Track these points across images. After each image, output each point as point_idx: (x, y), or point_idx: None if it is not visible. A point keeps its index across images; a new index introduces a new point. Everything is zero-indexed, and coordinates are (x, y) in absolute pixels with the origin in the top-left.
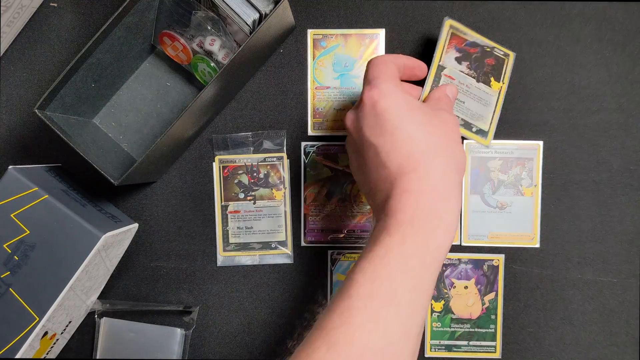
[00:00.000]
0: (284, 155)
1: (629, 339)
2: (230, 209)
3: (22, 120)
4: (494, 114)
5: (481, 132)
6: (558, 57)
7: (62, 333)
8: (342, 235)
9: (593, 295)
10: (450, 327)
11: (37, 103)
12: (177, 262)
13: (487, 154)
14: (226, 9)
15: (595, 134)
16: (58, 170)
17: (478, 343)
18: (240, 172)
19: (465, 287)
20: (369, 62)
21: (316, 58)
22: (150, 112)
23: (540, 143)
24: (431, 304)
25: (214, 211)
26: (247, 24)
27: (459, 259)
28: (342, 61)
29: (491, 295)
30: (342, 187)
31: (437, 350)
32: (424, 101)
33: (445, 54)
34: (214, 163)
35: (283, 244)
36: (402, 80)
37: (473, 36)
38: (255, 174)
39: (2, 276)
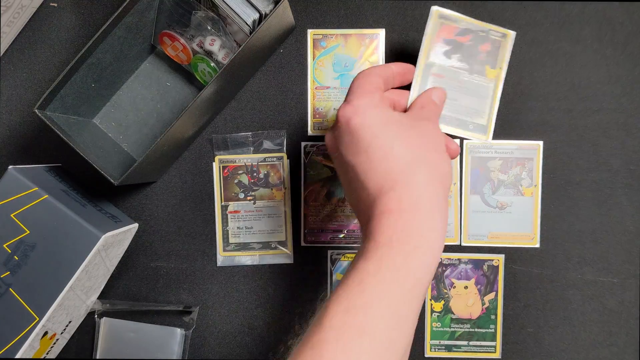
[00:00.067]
0: (284, 155)
1: (628, 339)
2: (230, 209)
3: (22, 120)
4: (492, 105)
5: (479, 128)
6: (558, 57)
7: (62, 333)
8: (342, 235)
9: (593, 295)
10: (450, 327)
11: (37, 103)
12: (177, 262)
13: (487, 154)
14: (226, 9)
15: (595, 134)
16: (58, 170)
17: (478, 343)
18: (240, 172)
19: (465, 287)
20: (355, 77)
21: (316, 58)
22: (150, 112)
23: (540, 143)
24: (431, 304)
25: (214, 211)
26: (247, 24)
27: (459, 259)
28: (342, 61)
29: (491, 295)
30: (342, 187)
31: (437, 350)
32: (408, 108)
33: (432, 50)
34: (214, 163)
35: (283, 244)
36: (396, 87)
37: (465, 22)
38: (255, 174)
39: (2, 276)
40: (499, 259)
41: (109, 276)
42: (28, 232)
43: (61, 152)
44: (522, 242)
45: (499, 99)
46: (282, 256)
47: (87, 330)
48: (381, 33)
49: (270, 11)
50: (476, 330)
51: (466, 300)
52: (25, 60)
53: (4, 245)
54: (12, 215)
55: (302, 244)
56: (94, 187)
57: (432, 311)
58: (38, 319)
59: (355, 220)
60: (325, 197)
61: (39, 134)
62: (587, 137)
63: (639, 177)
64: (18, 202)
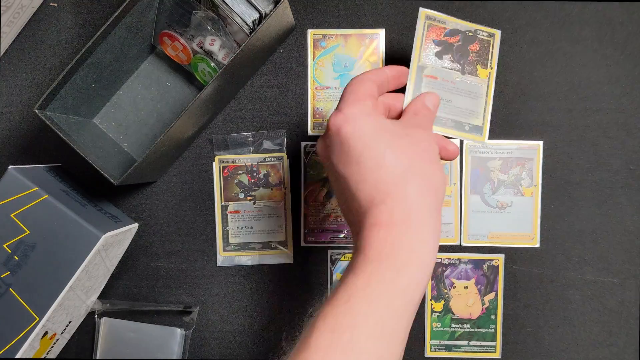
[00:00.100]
0: (284, 155)
1: (628, 339)
2: (230, 209)
3: (22, 120)
4: (486, 105)
5: (475, 129)
6: (558, 58)
7: (62, 333)
8: (342, 235)
9: (593, 295)
10: (450, 327)
11: (37, 103)
12: (177, 262)
13: (487, 154)
14: (226, 9)
15: (596, 134)
16: (58, 170)
17: (478, 343)
18: (240, 172)
19: (465, 287)
20: (348, 83)
21: (316, 58)
22: (150, 112)
23: (540, 143)
24: (431, 304)
25: (214, 211)
26: (247, 24)
27: (459, 259)
28: (342, 61)
29: (491, 295)
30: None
31: (437, 350)
32: (401, 114)
33: (423, 52)
34: (214, 163)
35: (283, 244)
36: (391, 91)
37: (452, 22)
38: (255, 174)
39: (2, 276)
40: (499, 259)
41: (109, 276)
42: (28, 232)
43: (61, 152)
44: (522, 242)
45: (492, 99)
46: (282, 256)
47: (87, 330)
48: (381, 33)
49: (270, 11)
50: (476, 330)
51: (466, 300)
52: (25, 60)
53: (4, 245)
54: (12, 215)
55: (302, 244)
56: (94, 187)
57: (432, 311)
58: (38, 319)
59: None
60: (325, 197)
61: (39, 134)
62: (587, 137)
63: (639, 177)
64: (18, 202)
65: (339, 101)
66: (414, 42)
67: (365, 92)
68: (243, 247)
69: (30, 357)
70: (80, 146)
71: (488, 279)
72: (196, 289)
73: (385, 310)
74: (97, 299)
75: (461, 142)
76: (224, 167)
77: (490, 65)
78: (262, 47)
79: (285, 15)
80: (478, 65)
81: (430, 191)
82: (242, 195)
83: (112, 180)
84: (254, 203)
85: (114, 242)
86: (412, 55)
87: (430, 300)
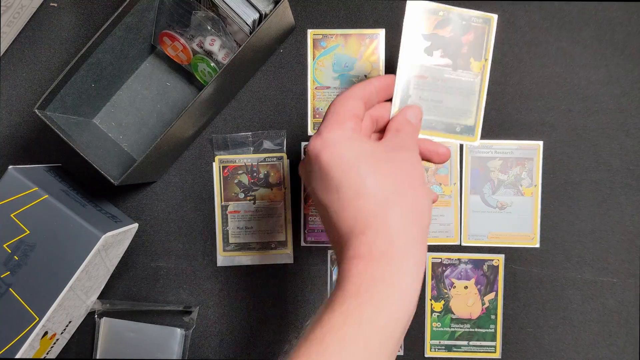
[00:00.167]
0: (284, 155)
1: (628, 338)
2: (230, 209)
3: (22, 120)
4: (479, 103)
5: (467, 130)
6: (558, 58)
7: (62, 333)
8: None
9: (593, 295)
10: (450, 327)
11: (37, 103)
12: (177, 262)
13: (487, 154)
14: (226, 9)
15: (595, 134)
16: (58, 170)
17: (478, 343)
18: (240, 172)
19: (465, 287)
20: (332, 101)
21: (316, 58)
22: (150, 112)
23: (540, 143)
24: (431, 304)
25: (214, 211)
26: (247, 24)
27: (459, 259)
28: (342, 61)
29: (491, 295)
30: None
31: (437, 350)
32: (385, 132)
33: (411, 50)
34: (214, 163)
35: (283, 244)
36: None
37: (444, 11)
38: (255, 174)
39: (2, 276)
40: (499, 259)
41: (109, 276)
42: (28, 232)
43: (61, 152)
44: (522, 242)
45: (485, 95)
46: (282, 256)
47: (87, 330)
48: (381, 33)
49: (270, 11)
50: (476, 330)
51: (466, 300)
52: (25, 60)
53: (4, 245)
54: (12, 215)
55: (302, 244)
56: (94, 187)
57: (432, 311)
58: (38, 319)
59: None
60: None
61: (39, 134)
62: (586, 137)
63: (638, 177)
64: (18, 202)
65: (321, 122)
66: (402, 40)
67: (347, 113)
68: (243, 247)
69: (30, 357)
70: (80, 146)
71: (488, 279)
72: (196, 289)
73: (362, 351)
74: (97, 299)
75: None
76: (224, 167)
77: (484, 57)
78: (262, 47)
79: (285, 15)
80: (471, 58)
81: (414, 219)
82: (242, 195)
83: (112, 180)
84: (254, 203)
85: (114, 242)
86: (400, 56)
87: (430, 300)
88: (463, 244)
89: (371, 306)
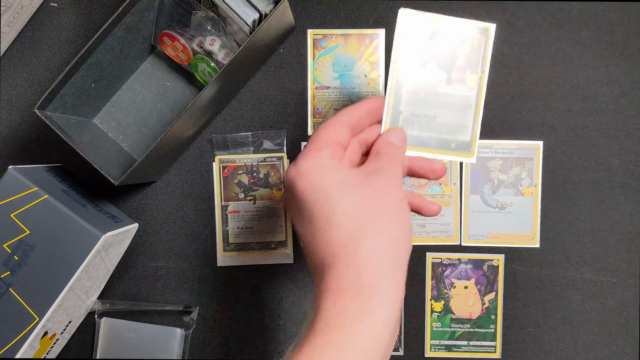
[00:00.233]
0: (284, 155)
1: (628, 338)
2: (230, 209)
3: (22, 120)
4: (475, 118)
5: (463, 146)
6: (557, 58)
7: (62, 333)
8: None
9: (592, 295)
10: (450, 327)
11: (37, 103)
12: (177, 262)
13: (487, 154)
14: (226, 9)
15: (595, 134)
16: (58, 170)
17: (478, 343)
18: (240, 172)
19: (465, 287)
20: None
21: (316, 58)
22: (150, 112)
23: (540, 143)
24: (431, 304)
25: (214, 211)
26: (247, 24)
27: (459, 259)
28: (342, 61)
29: (491, 295)
30: None
31: (437, 350)
32: (368, 154)
33: (403, 63)
34: (214, 163)
35: (283, 244)
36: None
37: (439, 22)
38: (255, 174)
39: (2, 276)
40: (499, 259)
41: (109, 276)
42: (28, 232)
43: (61, 152)
44: (522, 242)
45: (482, 109)
46: (282, 256)
47: (87, 330)
48: (381, 33)
49: (270, 11)
50: (476, 330)
51: (466, 300)
52: (25, 60)
53: (4, 245)
54: (12, 215)
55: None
56: (94, 187)
57: (432, 311)
58: (38, 319)
59: None
60: None
61: (39, 134)
62: (586, 137)
63: (637, 177)
64: (18, 202)
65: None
66: (392, 53)
67: (326, 140)
68: (243, 247)
69: (30, 357)
70: (80, 146)
71: (488, 279)
72: (196, 289)
73: None
74: (97, 299)
75: None
76: (224, 167)
77: (481, 69)
78: (262, 47)
79: (285, 15)
80: (467, 71)
81: (387, 250)
82: (242, 195)
83: (112, 180)
84: (254, 203)
85: (114, 242)
86: (390, 70)
87: (430, 300)
88: (463, 244)
89: (338, 344)
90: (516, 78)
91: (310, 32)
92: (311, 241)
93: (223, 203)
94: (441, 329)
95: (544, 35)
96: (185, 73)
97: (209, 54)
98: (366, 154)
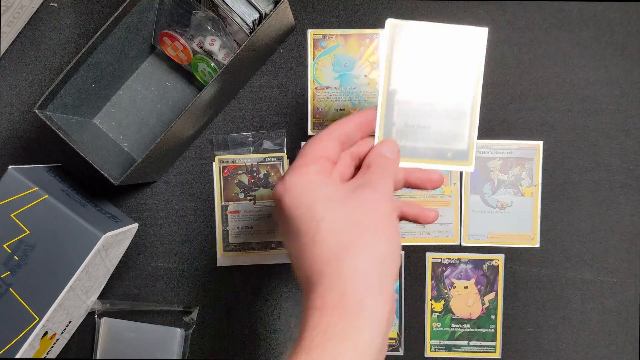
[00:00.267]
0: (284, 155)
1: (628, 338)
2: (230, 209)
3: (22, 120)
4: (471, 124)
5: (460, 155)
6: (557, 58)
7: (62, 333)
8: None
9: (592, 295)
10: (450, 327)
11: (37, 103)
12: (177, 262)
13: (487, 154)
14: (226, 9)
15: (595, 134)
16: (58, 170)
17: (478, 343)
18: (240, 172)
19: (465, 287)
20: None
21: (316, 58)
22: (150, 112)
23: (540, 143)
24: (431, 304)
25: (214, 211)
26: (247, 24)
27: (459, 259)
28: (342, 61)
29: (491, 295)
30: None
31: (437, 350)
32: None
33: (394, 72)
34: (214, 163)
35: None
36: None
37: (428, 29)
38: (255, 174)
39: (2, 276)
40: (499, 259)
41: (109, 276)
42: (28, 232)
43: (61, 152)
44: (522, 242)
45: (478, 116)
46: (282, 256)
47: (87, 330)
48: (381, 33)
49: (270, 11)
50: (476, 330)
51: (466, 300)
52: (25, 60)
53: (4, 245)
54: (12, 215)
55: None
56: (94, 187)
57: (432, 311)
58: (38, 319)
59: None
60: None
61: (39, 134)
62: (586, 137)
63: (637, 177)
64: (18, 202)
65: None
66: (381, 63)
67: (314, 155)
68: (243, 247)
69: (30, 357)
70: (80, 146)
71: (488, 279)
72: (196, 289)
73: None
74: (97, 299)
75: None
76: (224, 167)
77: (475, 75)
78: (262, 47)
79: (285, 15)
80: (460, 78)
81: (372, 266)
82: (242, 195)
83: (112, 180)
84: (254, 203)
85: (114, 242)
86: (380, 80)
87: (430, 300)
88: (463, 244)
89: None
90: (516, 78)
91: (310, 32)
92: (298, 257)
93: (223, 203)
94: (441, 329)
95: (544, 35)
96: (185, 73)
97: (209, 54)
98: (359, 168)
